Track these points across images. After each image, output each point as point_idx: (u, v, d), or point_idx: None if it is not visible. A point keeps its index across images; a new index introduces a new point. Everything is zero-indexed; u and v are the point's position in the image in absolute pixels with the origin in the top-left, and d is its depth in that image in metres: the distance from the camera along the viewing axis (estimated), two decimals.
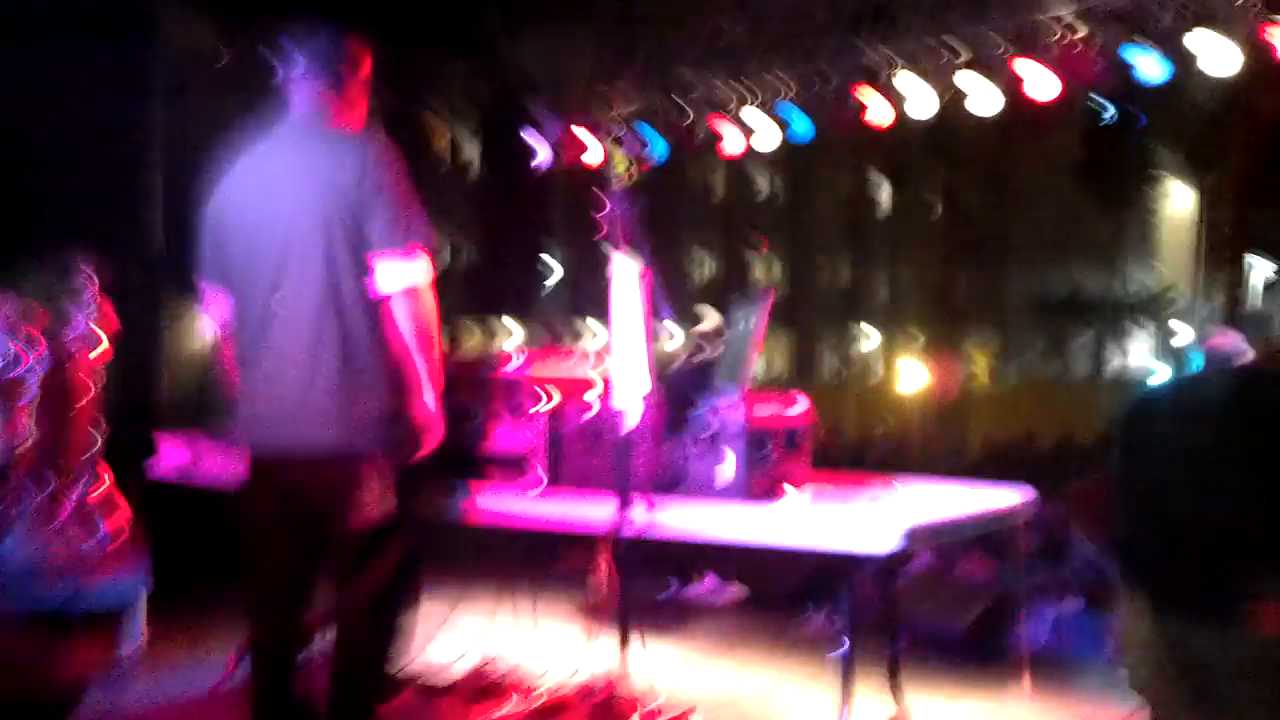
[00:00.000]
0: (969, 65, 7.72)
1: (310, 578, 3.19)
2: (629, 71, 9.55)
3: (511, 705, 3.95)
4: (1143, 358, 42.39)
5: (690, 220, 29.96)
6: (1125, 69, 6.88)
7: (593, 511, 3.32)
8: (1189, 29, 6.56)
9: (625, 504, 3.03)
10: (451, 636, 5.01)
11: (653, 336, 3.07)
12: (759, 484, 3.13)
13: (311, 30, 3.26)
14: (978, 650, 6.25)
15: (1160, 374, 36.54)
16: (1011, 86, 7.45)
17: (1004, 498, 3.44)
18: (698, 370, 3.30)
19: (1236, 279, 27.34)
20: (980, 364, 27.51)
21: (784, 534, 3.09)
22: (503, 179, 11.28)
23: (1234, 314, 26.65)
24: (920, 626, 6.54)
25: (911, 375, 19.82)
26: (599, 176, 10.56)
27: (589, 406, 3.38)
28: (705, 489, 3.15)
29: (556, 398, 3.48)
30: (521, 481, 3.47)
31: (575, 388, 3.62)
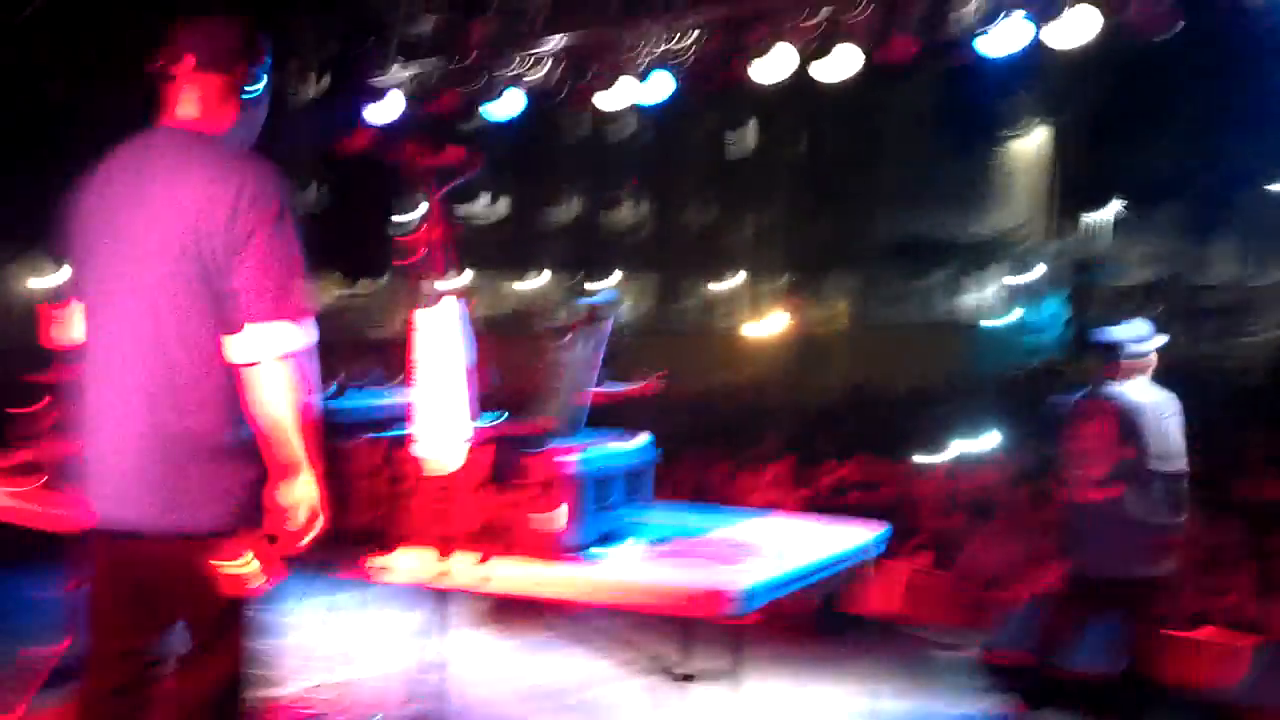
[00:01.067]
0: (828, 24, 7.57)
1: (138, 649, 2.81)
2: (485, 22, 9.15)
3: None
4: (995, 297, 43.62)
5: (552, 160, 29.40)
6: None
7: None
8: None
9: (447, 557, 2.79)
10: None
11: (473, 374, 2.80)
12: (593, 538, 2.92)
13: (207, 18, 2.78)
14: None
15: (1012, 314, 37.76)
16: (871, 42, 7.31)
17: (851, 536, 3.30)
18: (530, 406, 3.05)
19: (1088, 218, 28.14)
20: (840, 308, 27.86)
21: (618, 597, 2.90)
22: (351, 129, 10.77)
23: (1084, 255, 27.49)
24: None
25: (775, 318, 19.96)
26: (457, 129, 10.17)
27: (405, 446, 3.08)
28: (535, 544, 2.92)
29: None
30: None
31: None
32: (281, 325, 2.55)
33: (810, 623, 6.28)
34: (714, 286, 37.56)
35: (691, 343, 28.05)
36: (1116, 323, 5.44)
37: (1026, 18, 6.68)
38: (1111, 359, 5.07)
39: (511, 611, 6.25)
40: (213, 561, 2.60)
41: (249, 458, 2.63)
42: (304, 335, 2.60)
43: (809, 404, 18.26)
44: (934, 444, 12.12)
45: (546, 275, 34.00)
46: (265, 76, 2.79)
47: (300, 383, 2.60)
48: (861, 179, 30.03)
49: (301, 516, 2.65)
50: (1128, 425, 4.89)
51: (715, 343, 27.64)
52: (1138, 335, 5.15)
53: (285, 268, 2.57)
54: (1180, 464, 4.97)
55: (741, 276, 37.51)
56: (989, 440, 10.65)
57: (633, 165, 33.17)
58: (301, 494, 2.65)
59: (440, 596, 2.91)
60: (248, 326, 2.54)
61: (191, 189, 2.58)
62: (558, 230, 33.25)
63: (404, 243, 2.83)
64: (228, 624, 2.69)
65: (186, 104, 2.71)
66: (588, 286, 32.26)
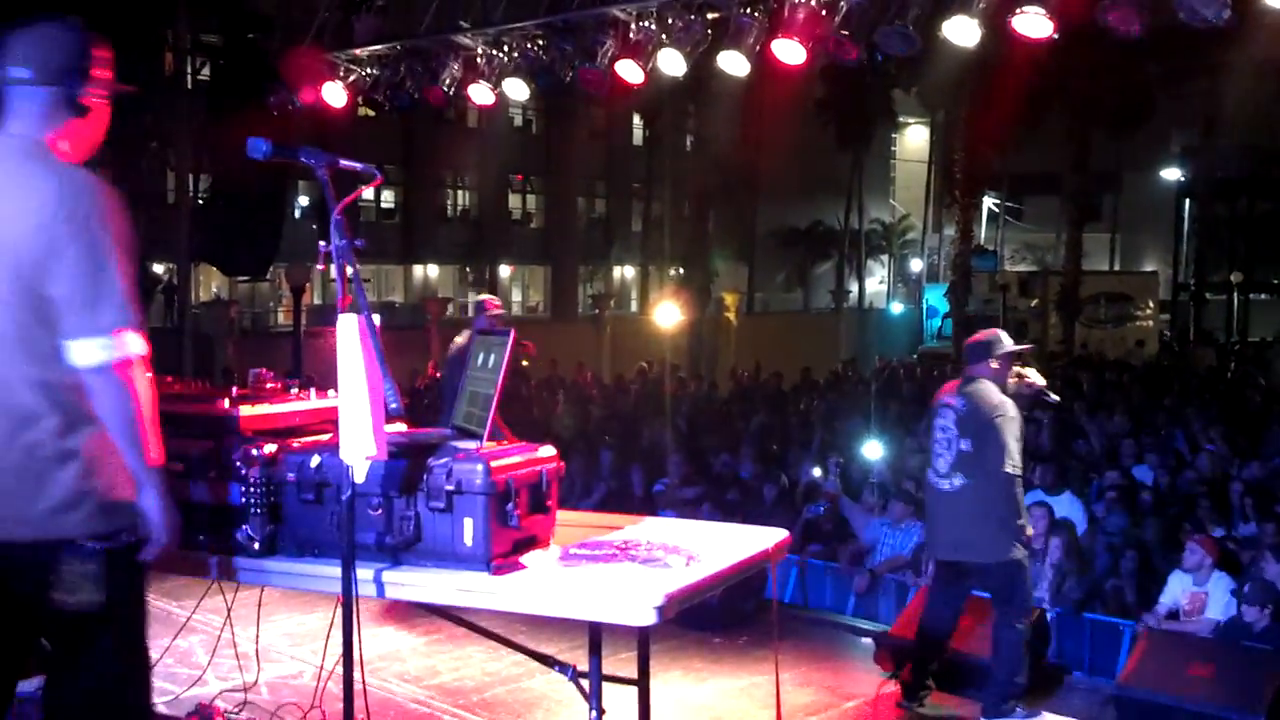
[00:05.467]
0: (716, 26, 7.65)
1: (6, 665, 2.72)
2: (370, 17, 9.05)
3: None
4: (878, 287, 44.45)
5: (443, 149, 29.08)
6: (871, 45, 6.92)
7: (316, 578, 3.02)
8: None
9: (350, 570, 2.76)
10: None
11: (379, 389, 2.76)
12: (502, 548, 2.91)
13: (43, 25, 2.61)
14: None
15: (895, 304, 38.58)
16: (759, 41, 7.38)
17: (756, 541, 3.34)
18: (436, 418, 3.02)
19: (967, 212, 28.87)
20: (729, 300, 28.13)
21: (530, 605, 2.90)
22: (238, 115, 10.52)
23: (964, 247, 28.19)
24: None
25: (665, 309, 20.01)
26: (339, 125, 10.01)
27: (310, 456, 3.04)
28: (442, 555, 2.90)
29: (273, 445, 3.11)
30: (232, 542, 3.09)
31: (296, 432, 3.28)
32: (99, 340, 2.47)
33: (713, 613, 6.33)
34: (605, 277, 37.50)
35: (583, 333, 28.08)
36: (986, 324, 5.61)
37: (903, 29, 6.85)
38: (980, 359, 5.21)
39: (414, 610, 6.20)
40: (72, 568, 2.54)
41: (105, 465, 2.56)
42: (127, 346, 2.51)
43: (702, 394, 18.43)
44: (827, 431, 12.34)
45: (435, 267, 33.62)
46: (104, 83, 2.66)
47: (127, 394, 2.51)
48: (749, 172, 30.38)
49: (141, 527, 2.61)
50: (975, 424, 5.05)
51: (606, 333, 27.69)
52: (1004, 341, 5.29)
53: (101, 282, 2.47)
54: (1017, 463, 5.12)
55: (632, 268, 37.55)
56: (876, 428, 10.88)
57: (523, 158, 33.04)
58: (142, 505, 2.60)
59: (345, 601, 2.89)
60: (67, 342, 2.47)
61: (20, 199, 2.48)
62: (449, 221, 32.92)
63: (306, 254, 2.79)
64: (92, 635, 2.61)
65: (14, 113, 2.58)
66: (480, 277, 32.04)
